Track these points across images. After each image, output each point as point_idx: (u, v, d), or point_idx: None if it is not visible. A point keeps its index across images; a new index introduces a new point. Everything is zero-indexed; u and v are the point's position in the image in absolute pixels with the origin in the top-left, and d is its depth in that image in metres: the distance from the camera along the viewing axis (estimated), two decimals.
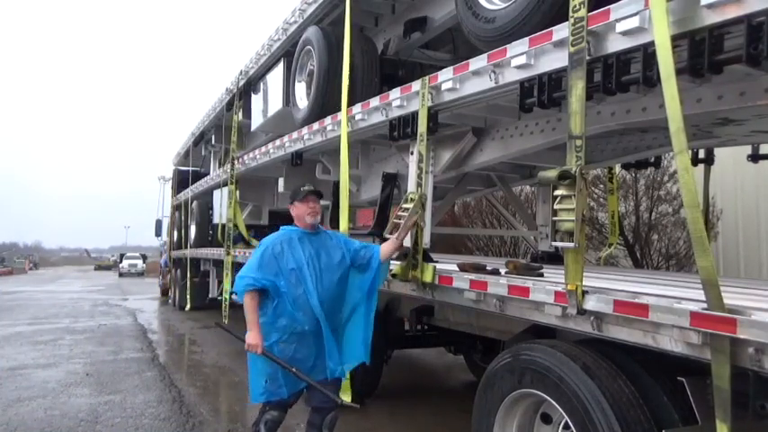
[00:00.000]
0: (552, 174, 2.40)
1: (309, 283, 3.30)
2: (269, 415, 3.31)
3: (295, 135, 5.78)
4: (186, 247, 12.71)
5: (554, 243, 2.46)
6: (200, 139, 12.08)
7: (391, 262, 3.67)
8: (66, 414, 5.04)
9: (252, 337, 3.22)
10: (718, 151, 5.16)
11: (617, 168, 6.20)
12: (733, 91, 2.61)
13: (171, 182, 16.67)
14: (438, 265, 3.55)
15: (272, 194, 9.01)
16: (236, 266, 8.38)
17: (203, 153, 12.70)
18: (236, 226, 8.23)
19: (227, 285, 8.33)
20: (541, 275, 3.17)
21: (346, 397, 4.72)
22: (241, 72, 8.10)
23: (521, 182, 6.32)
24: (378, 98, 4.23)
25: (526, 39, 2.77)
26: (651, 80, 2.21)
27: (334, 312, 3.43)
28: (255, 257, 3.34)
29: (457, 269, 3.41)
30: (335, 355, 3.41)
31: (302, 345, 3.29)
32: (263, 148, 6.98)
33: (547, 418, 2.77)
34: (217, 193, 9.78)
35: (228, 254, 8.23)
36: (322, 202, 3.77)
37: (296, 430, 4.50)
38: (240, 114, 8.42)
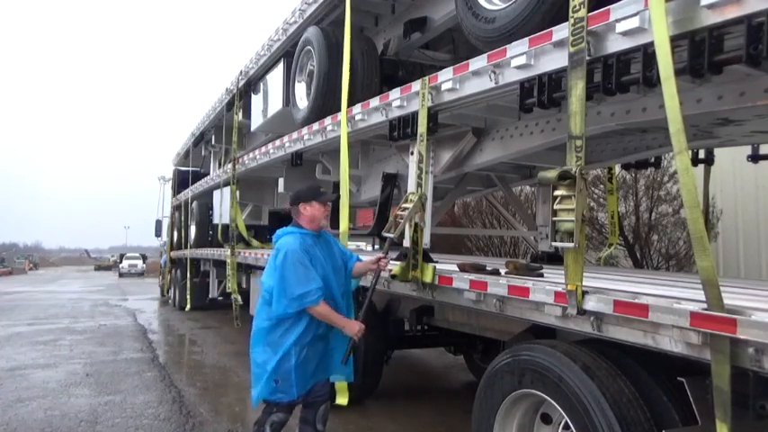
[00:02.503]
0: (552, 174, 2.40)
1: (335, 287, 3.34)
2: (275, 417, 3.26)
3: (295, 135, 5.78)
4: (186, 248, 12.70)
5: (554, 243, 2.46)
6: (200, 139, 12.07)
7: (391, 262, 3.66)
8: (66, 414, 5.04)
9: (351, 327, 3.23)
10: (718, 151, 5.16)
11: (617, 168, 6.20)
12: (733, 91, 2.61)
13: (171, 182, 16.67)
14: (438, 266, 3.56)
15: (272, 194, 9.02)
16: (239, 267, 8.40)
17: (203, 153, 12.69)
18: (236, 226, 8.24)
19: (233, 286, 8.32)
20: (541, 275, 3.17)
21: (343, 398, 4.73)
22: (241, 72, 8.10)
23: (521, 182, 6.33)
24: (378, 98, 4.23)
25: (526, 39, 2.78)
26: (651, 80, 2.21)
27: (346, 310, 3.46)
28: (295, 269, 3.16)
29: (457, 269, 3.41)
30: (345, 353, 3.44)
31: (312, 346, 3.27)
32: (263, 149, 6.98)
33: (547, 419, 2.77)
34: (217, 194, 9.78)
35: (232, 255, 8.23)
36: None
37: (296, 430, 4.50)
38: (240, 114, 8.41)
